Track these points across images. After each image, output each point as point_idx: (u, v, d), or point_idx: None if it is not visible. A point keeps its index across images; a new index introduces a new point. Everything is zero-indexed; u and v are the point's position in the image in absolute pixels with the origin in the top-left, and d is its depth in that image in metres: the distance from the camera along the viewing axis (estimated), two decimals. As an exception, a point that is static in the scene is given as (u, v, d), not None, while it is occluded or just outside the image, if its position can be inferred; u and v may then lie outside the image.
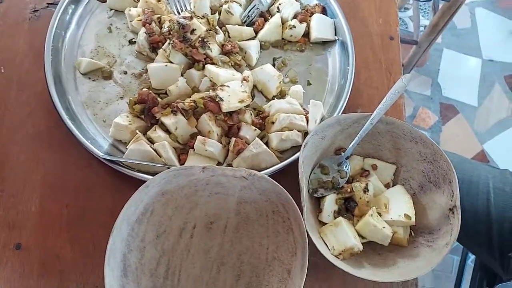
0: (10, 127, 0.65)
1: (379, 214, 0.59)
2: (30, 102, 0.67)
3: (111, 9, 0.75)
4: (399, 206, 0.60)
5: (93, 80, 0.69)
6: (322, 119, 0.68)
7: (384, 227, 0.57)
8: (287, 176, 0.61)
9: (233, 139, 0.63)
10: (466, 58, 2.01)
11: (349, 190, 0.61)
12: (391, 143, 0.64)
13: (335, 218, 0.60)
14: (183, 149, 0.65)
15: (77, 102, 0.67)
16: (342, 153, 0.64)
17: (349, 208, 0.61)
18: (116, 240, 0.52)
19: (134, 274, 0.54)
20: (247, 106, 0.66)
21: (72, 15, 0.73)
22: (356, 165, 0.65)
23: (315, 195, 0.62)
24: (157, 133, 0.63)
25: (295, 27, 0.74)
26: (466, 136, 1.85)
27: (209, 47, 0.67)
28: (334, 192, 0.62)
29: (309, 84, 0.74)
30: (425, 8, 2.17)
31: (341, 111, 0.69)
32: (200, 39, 0.67)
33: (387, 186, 0.64)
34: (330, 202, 0.61)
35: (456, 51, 2.01)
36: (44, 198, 0.62)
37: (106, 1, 0.75)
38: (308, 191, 0.62)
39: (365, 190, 0.61)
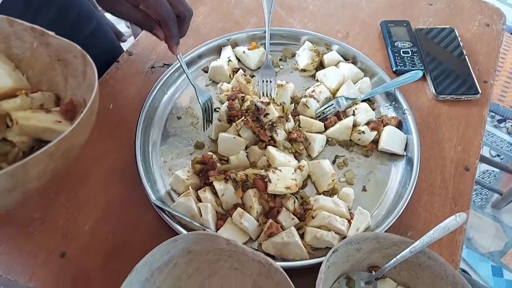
0: (99, 153, 0.78)
1: None
2: (121, 137, 0.80)
3: (210, 80, 0.87)
4: None
5: (175, 134, 0.80)
6: (366, 230, 0.66)
7: None
8: (313, 276, 0.60)
9: (270, 220, 0.66)
10: None
11: (369, 312, 0.57)
12: (430, 280, 0.59)
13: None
14: (224, 215, 0.69)
15: (155, 149, 0.78)
16: (374, 272, 0.61)
17: (364, 333, 0.57)
18: (133, 280, 0.56)
19: (140, 318, 0.57)
20: (294, 193, 0.69)
21: (178, 77, 0.86)
22: (387, 289, 0.61)
23: (333, 306, 0.59)
24: (205, 194, 0.68)
25: (364, 133, 0.76)
26: None
27: (276, 131, 0.73)
28: (354, 310, 0.59)
29: (364, 190, 0.73)
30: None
31: (388, 227, 0.66)
32: (270, 122, 0.73)
33: (415, 324, 0.58)
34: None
35: None
36: (99, 220, 0.70)
37: (208, 72, 0.87)
38: (326, 299, 0.60)
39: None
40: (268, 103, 0.74)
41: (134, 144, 0.75)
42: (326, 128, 0.79)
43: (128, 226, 0.70)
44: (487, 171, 1.91)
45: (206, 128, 0.78)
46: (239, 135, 0.75)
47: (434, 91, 0.84)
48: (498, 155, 1.99)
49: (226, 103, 0.78)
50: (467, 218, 0.60)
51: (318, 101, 0.80)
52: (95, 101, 0.48)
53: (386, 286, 0.61)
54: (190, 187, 0.70)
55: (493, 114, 1.33)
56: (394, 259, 0.58)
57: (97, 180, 0.75)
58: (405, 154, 0.76)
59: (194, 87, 0.77)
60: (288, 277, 0.53)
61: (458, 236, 0.68)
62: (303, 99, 0.79)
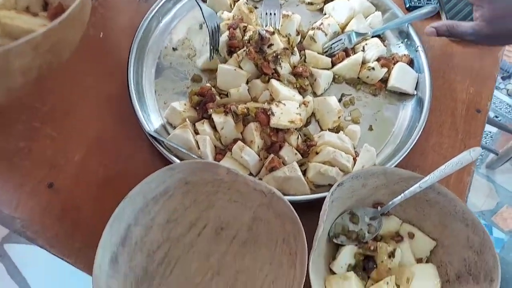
0: (88, 84, 0.72)
1: (398, 286, 0.52)
2: (112, 67, 0.74)
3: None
4: (423, 287, 0.52)
5: (170, 65, 0.74)
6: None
7: (397, 302, 0.50)
8: (315, 213, 0.57)
9: (271, 155, 0.62)
10: None
11: (372, 248, 0.55)
12: (438, 217, 0.57)
13: (347, 271, 0.54)
14: (223, 150, 0.65)
15: (149, 80, 0.72)
16: (379, 208, 0.58)
17: (366, 268, 0.55)
18: (126, 208, 0.53)
19: (132, 247, 0.55)
20: (297, 129, 0.65)
21: (174, 5, 0.79)
22: (391, 226, 0.59)
23: (335, 241, 0.57)
24: (203, 126, 0.64)
25: (374, 69, 0.71)
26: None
27: (280, 64, 0.68)
28: (356, 245, 0.56)
29: (371, 129, 0.70)
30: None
31: (394, 166, 0.63)
32: (274, 54, 0.68)
33: (419, 261, 0.57)
34: (347, 253, 0.56)
35: None
36: (89, 152, 0.66)
37: (206, 1, 0.80)
38: (329, 234, 0.57)
39: (391, 255, 0.54)
40: (273, 33, 0.68)
41: (127, 75, 0.70)
42: (333, 64, 0.74)
43: (121, 159, 0.66)
44: (484, 131, 1.90)
45: (213, 58, 0.72)
46: (240, 67, 0.69)
47: (448, 29, 0.79)
48: (497, 117, 1.97)
49: (227, 33, 0.72)
50: (480, 152, 0.57)
51: (326, 35, 0.74)
52: None
53: (391, 223, 0.58)
54: (187, 119, 0.65)
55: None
56: (402, 194, 0.55)
57: (87, 111, 0.70)
58: (415, 93, 0.72)
59: (201, 8, 0.69)
60: (290, 205, 0.51)
61: (466, 177, 0.66)
62: (310, 32, 0.74)
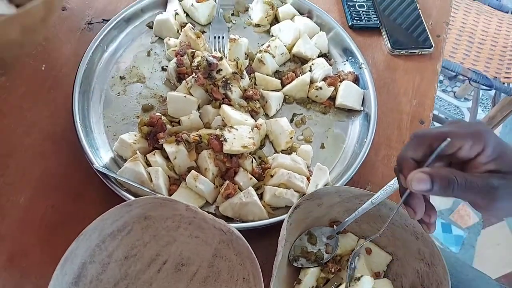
0: (31, 121, 0.69)
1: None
2: (56, 102, 0.71)
3: (155, 36, 0.80)
4: (382, 301, 0.53)
5: (118, 95, 0.73)
6: (326, 186, 0.64)
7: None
8: (274, 236, 0.57)
9: (227, 182, 0.62)
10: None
11: (333, 270, 0.56)
12: (390, 231, 0.59)
13: (310, 294, 0.55)
14: (177, 180, 0.64)
15: (96, 112, 0.70)
16: (335, 226, 0.59)
17: (327, 289, 0.56)
18: (80, 245, 0.51)
19: (87, 286, 0.52)
20: (252, 153, 0.65)
21: (119, 33, 0.78)
22: (348, 244, 0.60)
23: (295, 264, 0.58)
24: (155, 157, 0.63)
25: (321, 88, 0.73)
26: (508, 248, 1.67)
27: (230, 88, 0.68)
28: (317, 266, 0.57)
29: (322, 147, 0.71)
30: (486, 101, 2.10)
31: (347, 182, 0.65)
32: (223, 79, 0.68)
33: (376, 275, 0.58)
34: (311, 277, 0.56)
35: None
36: (35, 193, 0.63)
37: (152, 28, 0.80)
38: (288, 257, 0.58)
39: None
40: (221, 58, 0.69)
41: (72, 108, 0.67)
42: (283, 85, 0.75)
43: (70, 198, 0.63)
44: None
45: None
46: (190, 94, 0.69)
47: (389, 45, 0.83)
48: (446, 118, 2.08)
49: (174, 60, 0.71)
50: None
51: (274, 57, 0.75)
52: None
53: (348, 240, 0.60)
54: (137, 151, 0.64)
55: (441, 79, 1.35)
56: (356, 212, 0.57)
57: (30, 150, 0.67)
58: (362, 109, 0.74)
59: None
60: (249, 246, 0.50)
61: (415, 188, 0.68)
62: (258, 55, 0.75)
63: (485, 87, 1.30)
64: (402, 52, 0.83)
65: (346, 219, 0.58)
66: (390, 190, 0.56)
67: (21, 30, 0.52)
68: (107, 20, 0.79)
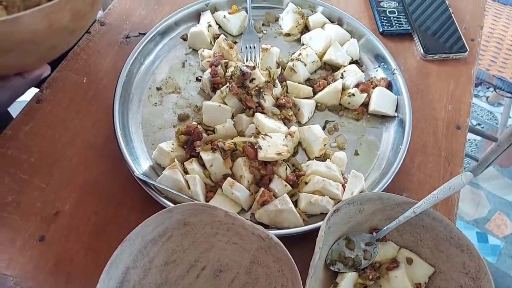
0: (74, 131, 0.72)
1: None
2: (97, 113, 0.74)
3: (190, 48, 0.82)
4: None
5: (155, 105, 0.75)
6: (361, 193, 0.64)
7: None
8: (309, 244, 0.58)
9: (262, 189, 0.62)
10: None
11: (371, 277, 0.55)
12: (434, 242, 0.57)
13: (348, 301, 0.54)
14: (214, 187, 0.65)
15: (135, 122, 0.73)
16: (375, 233, 0.59)
17: (366, 296, 0.55)
18: (125, 251, 0.53)
19: (130, 291, 0.54)
20: (285, 160, 0.66)
21: (155, 46, 0.81)
22: (388, 252, 0.59)
23: (331, 268, 0.57)
24: (192, 165, 0.65)
25: (354, 95, 0.73)
26: (549, 257, 1.59)
27: (263, 97, 0.69)
28: (354, 271, 0.57)
29: (356, 154, 0.71)
30: (520, 107, 2.02)
31: (382, 190, 0.64)
32: (256, 88, 0.70)
33: (418, 287, 0.57)
34: (349, 282, 0.56)
35: (550, 159, 1.81)
36: (79, 201, 0.66)
37: (187, 40, 0.82)
38: (326, 261, 0.58)
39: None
40: (254, 67, 0.70)
41: (113, 118, 0.70)
42: (315, 92, 0.76)
43: (111, 205, 0.66)
44: (469, 140, 1.94)
45: None
46: (224, 103, 0.70)
47: (422, 51, 0.82)
48: (479, 124, 2.02)
49: (209, 70, 0.73)
50: (472, 178, 0.58)
51: (305, 65, 0.76)
52: None
53: (388, 248, 0.59)
54: (175, 159, 0.66)
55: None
56: (397, 219, 0.56)
57: (75, 159, 0.70)
58: (396, 115, 0.74)
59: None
60: (288, 253, 0.50)
61: (454, 195, 0.67)
62: (290, 63, 0.76)
63: (510, 95, 1.25)
64: (436, 57, 0.82)
65: (386, 227, 0.57)
66: (434, 200, 0.55)
67: (72, 16, 0.54)
68: (144, 34, 0.82)
